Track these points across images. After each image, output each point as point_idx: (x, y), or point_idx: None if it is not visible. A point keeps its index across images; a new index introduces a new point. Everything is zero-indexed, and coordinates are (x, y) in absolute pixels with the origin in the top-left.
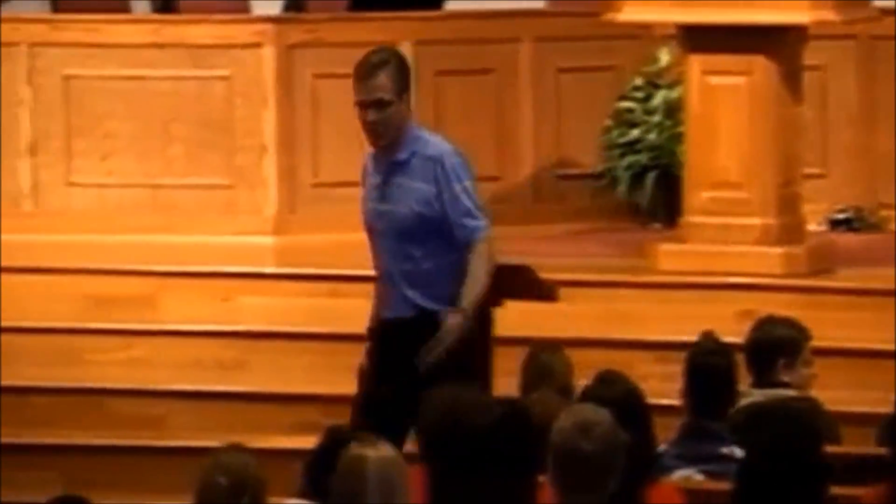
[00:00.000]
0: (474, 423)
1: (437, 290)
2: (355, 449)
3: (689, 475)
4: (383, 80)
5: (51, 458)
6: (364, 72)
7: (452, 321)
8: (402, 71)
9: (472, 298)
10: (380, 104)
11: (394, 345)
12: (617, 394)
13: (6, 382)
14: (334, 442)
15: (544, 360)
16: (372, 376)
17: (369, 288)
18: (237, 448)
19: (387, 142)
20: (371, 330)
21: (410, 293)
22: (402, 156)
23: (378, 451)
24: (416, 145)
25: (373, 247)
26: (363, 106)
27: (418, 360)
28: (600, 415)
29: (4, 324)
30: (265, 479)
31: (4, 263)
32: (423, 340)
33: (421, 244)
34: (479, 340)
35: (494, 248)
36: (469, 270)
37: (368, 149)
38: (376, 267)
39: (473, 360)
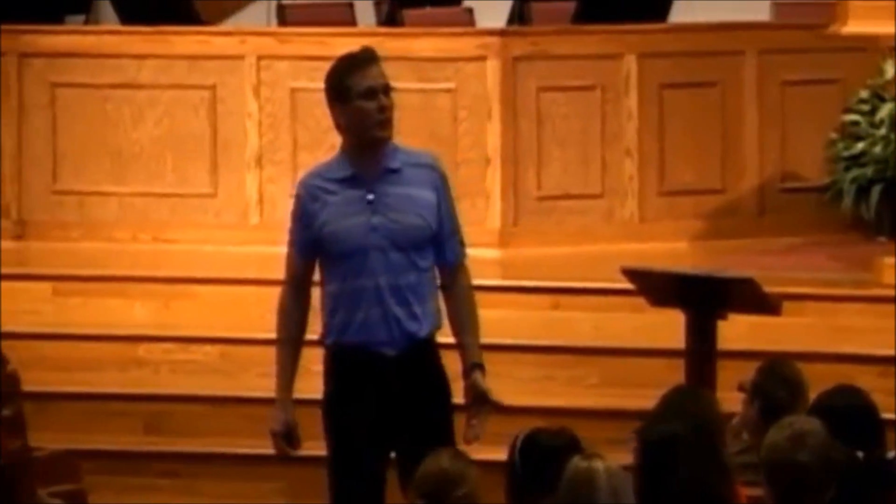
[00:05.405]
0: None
1: (428, 307)
2: (583, 462)
3: None
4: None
5: (276, 468)
6: (369, 57)
7: (482, 383)
8: None
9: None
10: (389, 89)
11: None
12: (853, 406)
13: (235, 393)
14: (533, 454)
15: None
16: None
17: (592, 301)
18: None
19: (390, 136)
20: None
21: (401, 311)
22: (395, 164)
23: (605, 463)
24: (400, 152)
25: (348, 268)
26: (375, 92)
27: (466, 437)
28: (813, 425)
29: (230, 335)
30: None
31: (231, 275)
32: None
33: (426, 255)
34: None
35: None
36: (469, 310)
37: (310, 179)
38: (344, 292)
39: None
